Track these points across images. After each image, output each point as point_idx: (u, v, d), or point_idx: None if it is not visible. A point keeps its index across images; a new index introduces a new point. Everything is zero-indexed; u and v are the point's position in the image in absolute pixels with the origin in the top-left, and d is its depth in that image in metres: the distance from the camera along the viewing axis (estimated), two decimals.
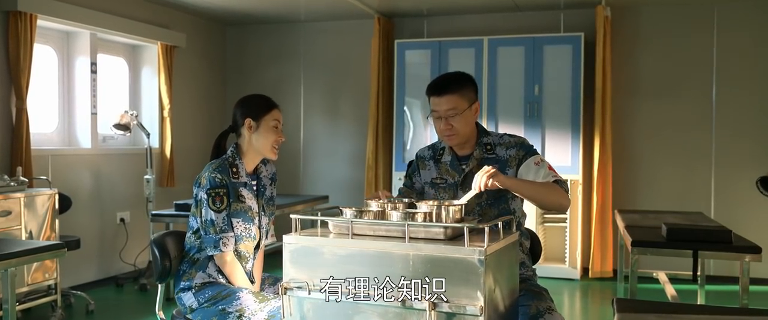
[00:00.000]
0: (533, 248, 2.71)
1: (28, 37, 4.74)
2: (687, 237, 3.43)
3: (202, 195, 2.63)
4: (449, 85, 2.51)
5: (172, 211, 5.09)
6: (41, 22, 4.95)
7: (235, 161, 2.71)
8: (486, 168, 2.32)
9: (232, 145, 2.77)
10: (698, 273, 4.44)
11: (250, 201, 2.72)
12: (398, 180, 6.21)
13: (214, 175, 2.62)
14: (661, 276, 4.93)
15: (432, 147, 2.72)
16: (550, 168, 2.50)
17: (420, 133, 6.22)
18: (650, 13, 5.98)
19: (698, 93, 5.89)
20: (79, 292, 4.90)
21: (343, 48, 6.84)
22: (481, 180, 2.30)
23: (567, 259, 5.80)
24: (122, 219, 5.76)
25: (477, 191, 2.33)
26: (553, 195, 2.42)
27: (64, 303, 4.73)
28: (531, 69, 5.83)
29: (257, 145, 2.71)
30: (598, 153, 5.78)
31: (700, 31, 5.87)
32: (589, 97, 5.89)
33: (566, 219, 5.76)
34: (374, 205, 2.19)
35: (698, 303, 4.67)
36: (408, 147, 6.26)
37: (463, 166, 2.58)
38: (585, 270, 5.92)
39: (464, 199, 2.34)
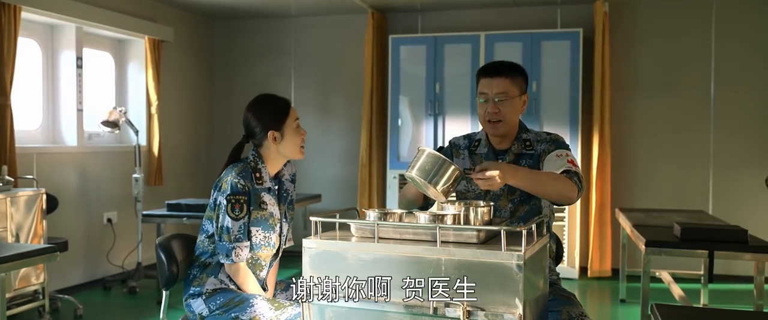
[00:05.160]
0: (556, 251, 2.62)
1: (12, 29, 4.54)
2: (702, 237, 3.37)
3: (222, 199, 2.47)
4: (502, 69, 2.45)
5: (163, 211, 4.91)
6: (25, 15, 4.74)
7: (257, 166, 2.56)
8: (490, 173, 2.06)
9: (252, 150, 2.61)
10: (705, 274, 4.39)
11: (272, 207, 2.57)
12: (393, 178, 6.08)
13: (236, 181, 2.46)
14: (665, 275, 4.86)
15: (468, 137, 2.62)
16: (571, 161, 2.37)
17: (415, 130, 6.09)
18: (649, 8, 5.91)
19: (697, 90, 5.83)
20: (66, 296, 4.71)
21: (335, 43, 6.69)
22: (479, 182, 2.08)
23: (565, 258, 5.71)
24: (109, 220, 5.58)
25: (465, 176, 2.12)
26: (556, 185, 2.24)
27: (50, 308, 4.55)
28: (528, 65, 5.71)
29: (285, 152, 2.59)
30: (597, 150, 5.70)
31: (699, 27, 5.80)
32: (588, 94, 5.81)
33: (565, 217, 5.67)
34: (451, 208, 2.05)
35: (702, 302, 4.62)
36: (402, 144, 6.13)
37: (499, 160, 2.47)
38: (583, 269, 5.85)
39: (449, 209, 2.08)
